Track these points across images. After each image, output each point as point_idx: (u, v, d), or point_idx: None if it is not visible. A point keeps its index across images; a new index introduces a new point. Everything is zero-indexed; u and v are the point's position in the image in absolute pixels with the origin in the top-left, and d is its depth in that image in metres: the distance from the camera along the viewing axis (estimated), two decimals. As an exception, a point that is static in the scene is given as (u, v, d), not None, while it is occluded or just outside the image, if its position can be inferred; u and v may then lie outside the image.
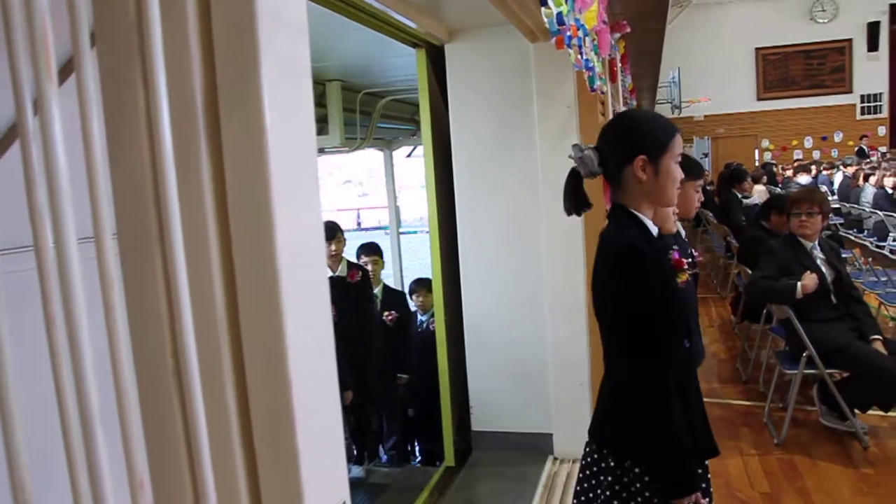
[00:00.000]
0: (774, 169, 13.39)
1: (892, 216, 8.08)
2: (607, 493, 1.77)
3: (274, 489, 0.80)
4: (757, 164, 15.51)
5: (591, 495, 1.85)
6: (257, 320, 0.77)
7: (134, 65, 0.73)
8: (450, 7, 3.45)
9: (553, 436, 3.82)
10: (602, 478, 1.82)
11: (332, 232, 4.32)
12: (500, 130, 3.74)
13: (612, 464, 1.78)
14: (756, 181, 8.80)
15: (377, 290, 4.90)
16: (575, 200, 1.90)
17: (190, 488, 0.78)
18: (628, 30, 4.82)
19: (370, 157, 9.93)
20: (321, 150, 6.40)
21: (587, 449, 1.92)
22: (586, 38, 2.76)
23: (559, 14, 1.93)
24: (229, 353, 0.78)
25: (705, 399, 4.81)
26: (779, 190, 9.40)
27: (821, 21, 17.23)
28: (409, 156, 9.43)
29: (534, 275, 3.73)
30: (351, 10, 2.95)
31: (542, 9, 1.81)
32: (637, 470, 1.74)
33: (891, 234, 7.95)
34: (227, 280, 0.77)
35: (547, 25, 1.91)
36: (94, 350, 0.62)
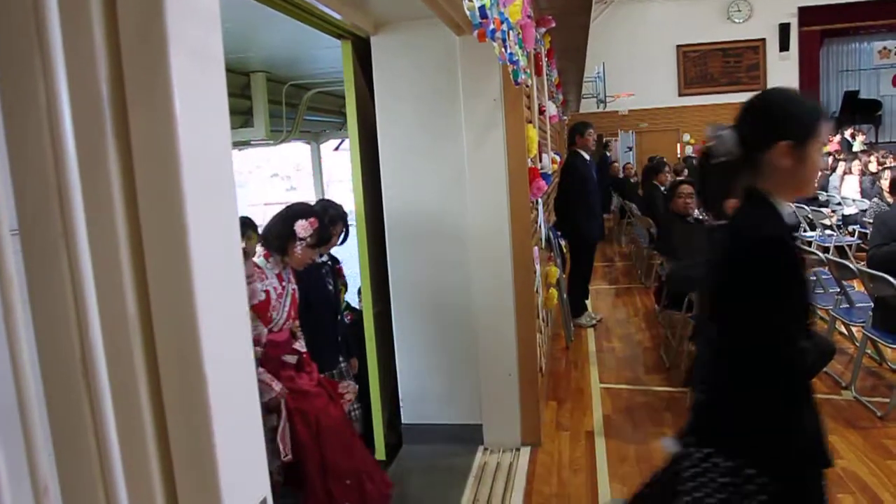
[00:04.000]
0: (695, 162, 13.79)
1: (803, 208, 8.45)
2: (722, 494, 1.70)
3: (191, 490, 0.78)
4: (679, 157, 15.97)
5: (700, 495, 1.76)
6: (171, 319, 0.75)
7: (32, 54, 0.70)
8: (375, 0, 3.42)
9: (483, 426, 3.86)
10: (713, 477, 1.73)
11: (243, 228, 4.20)
12: (427, 123, 3.74)
13: (725, 463, 1.70)
14: (678, 173, 9.06)
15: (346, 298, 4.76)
16: (715, 192, 1.71)
17: (102, 493, 0.76)
18: (554, 24, 4.89)
19: (298, 151, 9.80)
20: (247, 143, 6.27)
21: (688, 450, 1.81)
22: (510, 32, 2.79)
23: (482, 7, 1.94)
24: (142, 353, 0.76)
25: (631, 387, 4.96)
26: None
27: (737, 21, 17.83)
28: (336, 149, 9.34)
29: (461, 266, 3.75)
30: (275, 0, 2.89)
31: (465, 2, 1.81)
32: (753, 471, 1.67)
33: (801, 224, 8.31)
34: (137, 278, 0.75)
35: (469, 18, 1.92)
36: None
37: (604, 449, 3.88)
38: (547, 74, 5.89)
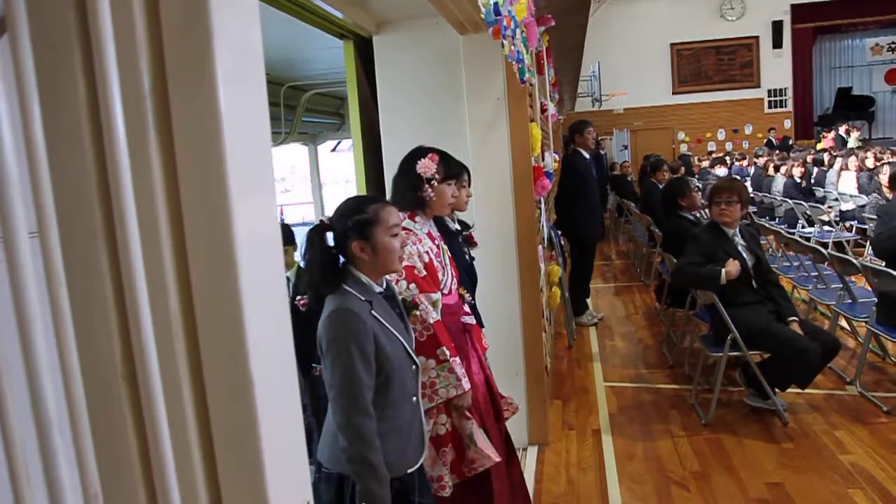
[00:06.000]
0: (691, 160, 13.83)
1: (801, 204, 8.47)
2: None
3: (237, 495, 0.76)
4: (675, 155, 16.01)
5: None
6: (216, 320, 0.74)
7: (72, 47, 0.68)
8: (378, -2, 3.41)
9: (489, 427, 3.84)
10: None
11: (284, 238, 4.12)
12: (431, 122, 3.72)
13: None
14: (674, 172, 9.07)
15: (289, 274, 4.60)
16: None
17: (144, 498, 0.74)
18: (553, 23, 4.88)
19: (293, 152, 9.78)
20: (245, 145, 6.25)
21: None
22: (517, 30, 2.78)
23: (496, 4, 1.93)
24: (185, 357, 0.74)
25: (635, 384, 4.95)
26: (695, 180, 9.71)
27: (730, 19, 17.90)
28: (333, 150, 9.32)
29: (467, 267, 3.74)
30: (275, -2, 2.87)
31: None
32: None
33: (799, 220, 8.34)
34: (181, 279, 0.73)
35: (483, 15, 1.90)
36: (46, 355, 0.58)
37: (611, 447, 3.87)
38: (546, 73, 5.89)
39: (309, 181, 9.17)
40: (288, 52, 4.77)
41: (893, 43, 19.31)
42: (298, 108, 6.47)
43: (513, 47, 2.52)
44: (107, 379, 0.73)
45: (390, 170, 3.79)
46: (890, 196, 5.82)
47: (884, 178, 6.64)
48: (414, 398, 2.08)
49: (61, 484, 0.58)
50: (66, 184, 0.71)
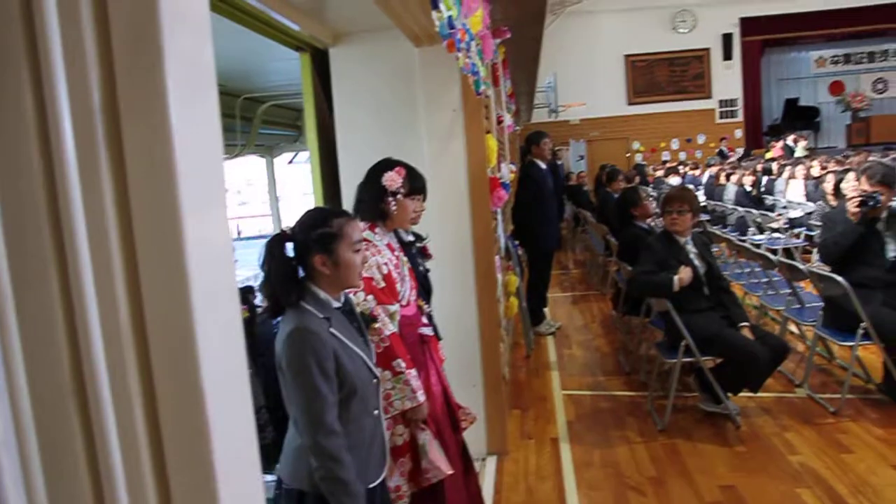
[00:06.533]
0: (646, 170, 14.07)
1: (751, 212, 8.67)
2: None
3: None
4: (630, 165, 16.26)
5: None
6: (167, 335, 0.74)
7: (19, 62, 0.68)
8: (335, 10, 3.42)
9: (449, 437, 3.85)
10: None
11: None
12: (387, 134, 3.73)
13: None
14: (629, 181, 9.22)
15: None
16: None
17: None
18: (509, 35, 4.94)
19: (249, 165, 9.69)
20: (200, 157, 6.18)
21: None
22: (472, 43, 2.81)
23: (450, 17, 1.96)
24: (136, 372, 0.74)
25: (592, 392, 5.01)
26: (650, 189, 9.89)
27: (682, 31, 18.29)
28: (290, 162, 9.26)
29: (425, 278, 3.75)
30: (230, 10, 2.85)
31: (434, 12, 1.82)
32: None
33: (750, 228, 8.54)
34: (131, 294, 0.73)
35: (438, 29, 1.93)
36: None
37: (569, 455, 3.91)
38: (502, 85, 5.95)
39: (266, 194, 9.09)
40: (244, 64, 4.74)
41: (836, 56, 19.98)
42: (255, 120, 6.42)
43: (467, 60, 2.55)
44: (55, 395, 0.72)
45: (347, 182, 3.81)
46: (834, 203, 6.02)
47: (828, 186, 6.85)
48: (375, 411, 2.08)
49: (7, 502, 0.57)
50: (13, 198, 0.71)
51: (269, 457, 2.93)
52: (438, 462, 2.41)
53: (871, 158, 9.06)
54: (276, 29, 3.29)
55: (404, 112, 3.69)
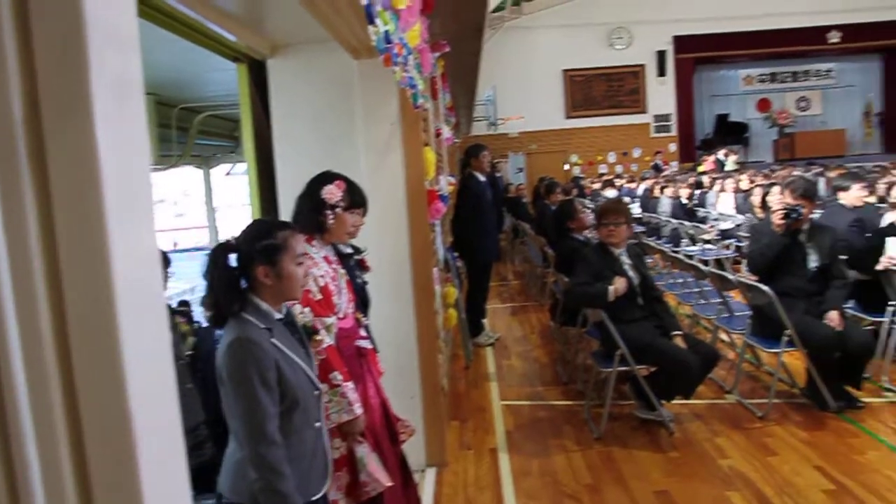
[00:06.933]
0: (583, 182, 14.34)
1: (684, 224, 8.93)
2: None
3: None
4: (568, 177, 16.54)
5: None
6: (92, 350, 0.73)
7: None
8: (272, 22, 3.41)
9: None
10: None
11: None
12: (325, 146, 3.73)
13: None
14: (567, 194, 9.39)
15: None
16: None
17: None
18: (448, 49, 5.00)
19: (186, 175, 9.52)
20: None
21: None
22: (410, 57, 2.84)
23: (386, 32, 1.98)
24: (59, 388, 0.73)
25: (530, 402, 5.07)
26: (587, 201, 10.07)
27: (618, 48, 18.76)
28: (228, 174, 9.14)
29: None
30: (165, 19, 2.82)
31: (370, 27, 1.84)
32: None
33: (683, 240, 8.78)
34: (55, 308, 0.73)
35: (374, 43, 1.95)
36: None
37: (508, 465, 3.95)
38: (441, 98, 6.00)
39: (203, 205, 8.95)
40: (180, 74, 4.67)
41: (763, 75, 20.81)
42: (191, 130, 6.32)
43: (404, 74, 2.58)
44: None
45: (285, 194, 3.78)
46: (762, 216, 6.25)
47: (756, 199, 7.12)
48: (317, 424, 2.08)
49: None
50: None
51: (210, 474, 2.88)
52: (377, 475, 2.41)
53: (795, 173, 9.46)
54: (212, 39, 3.26)
55: (342, 124, 3.69)
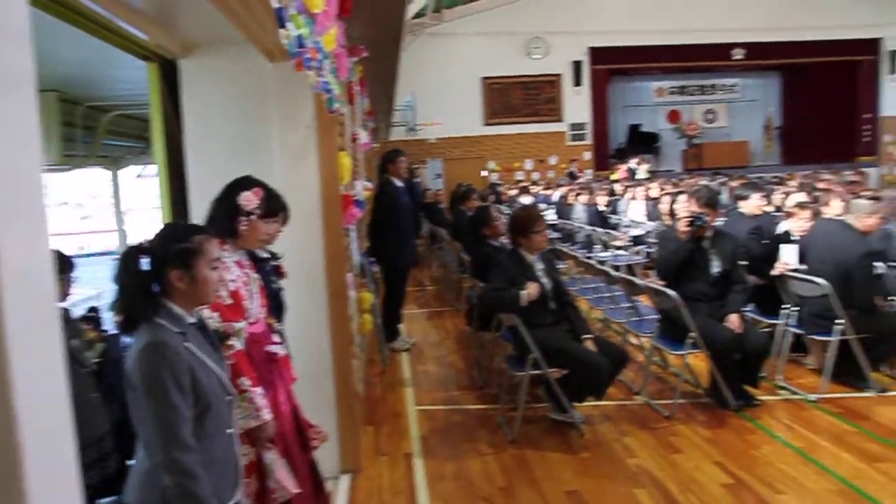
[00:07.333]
0: (500, 189, 14.53)
1: (597, 231, 9.18)
2: None
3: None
4: (486, 183, 16.73)
5: None
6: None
7: None
8: (184, 21, 3.32)
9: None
10: None
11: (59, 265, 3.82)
12: (238, 149, 3.65)
13: None
14: (484, 200, 9.50)
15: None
16: None
17: None
18: (366, 54, 5.00)
19: (94, 177, 9.17)
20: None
21: None
22: (325, 61, 2.83)
23: (299, 37, 1.97)
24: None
25: (446, 407, 5.10)
26: (504, 208, 10.21)
27: (536, 57, 19.12)
28: (139, 175, 8.84)
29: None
30: (70, 13, 2.71)
31: (281, 31, 1.83)
32: None
33: (596, 246, 9.03)
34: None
35: (286, 47, 1.93)
36: None
37: (423, 470, 3.97)
38: (359, 103, 5.99)
39: (112, 208, 8.63)
40: (86, 71, 4.50)
41: (673, 87, 21.68)
42: (99, 130, 6.09)
43: (319, 78, 2.57)
44: None
45: (197, 197, 3.69)
46: (670, 223, 6.49)
47: (664, 206, 7.39)
48: (229, 430, 2.05)
49: None
50: None
51: (114, 485, 2.78)
52: (285, 482, 2.39)
53: (701, 182, 9.86)
54: (120, 36, 3.15)
55: (257, 127, 3.63)
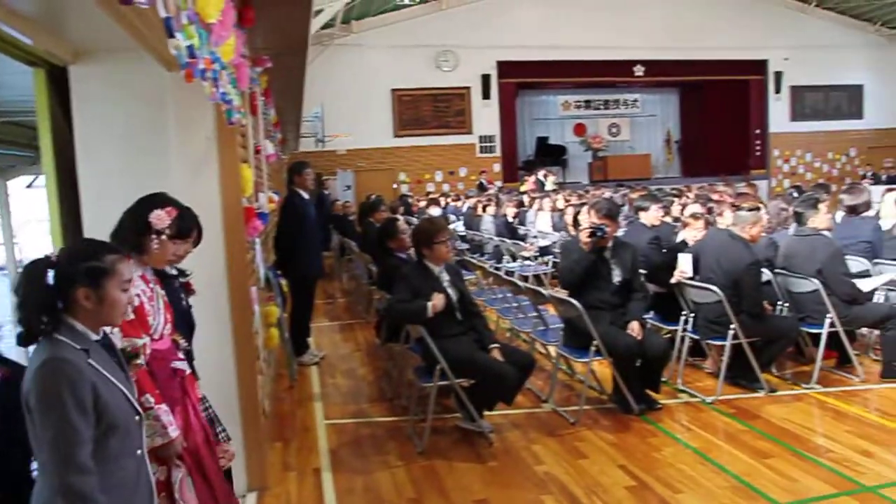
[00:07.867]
0: (410, 200, 14.57)
1: (505, 241, 9.31)
2: None
3: None
4: (396, 195, 16.75)
5: None
6: None
7: None
8: (75, 26, 3.18)
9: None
10: None
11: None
12: (134, 161, 3.51)
13: None
14: (394, 211, 9.51)
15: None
16: None
17: None
18: (270, 65, 4.92)
19: (-21, 187, 8.68)
20: None
21: None
22: (223, 72, 2.77)
23: (190, 46, 1.92)
24: None
25: (355, 420, 5.07)
26: (414, 219, 10.25)
27: (445, 70, 19.33)
28: (30, 186, 8.42)
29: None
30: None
31: (170, 41, 1.77)
32: None
33: (505, 256, 9.16)
34: None
35: (176, 58, 1.88)
36: None
37: (331, 484, 3.92)
38: (264, 114, 5.89)
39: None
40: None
41: (579, 101, 22.38)
42: (-18, 138, 5.77)
43: (214, 89, 2.51)
44: None
45: (90, 210, 3.53)
46: (574, 233, 6.66)
47: (569, 218, 7.59)
48: (139, 451, 1.98)
49: None
50: None
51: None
52: (188, 500, 2.33)
53: (605, 194, 10.18)
54: (4, 41, 2.99)
55: (154, 137, 3.50)
